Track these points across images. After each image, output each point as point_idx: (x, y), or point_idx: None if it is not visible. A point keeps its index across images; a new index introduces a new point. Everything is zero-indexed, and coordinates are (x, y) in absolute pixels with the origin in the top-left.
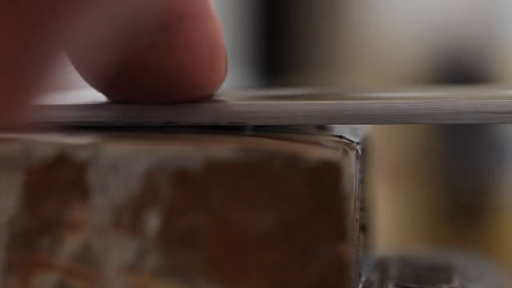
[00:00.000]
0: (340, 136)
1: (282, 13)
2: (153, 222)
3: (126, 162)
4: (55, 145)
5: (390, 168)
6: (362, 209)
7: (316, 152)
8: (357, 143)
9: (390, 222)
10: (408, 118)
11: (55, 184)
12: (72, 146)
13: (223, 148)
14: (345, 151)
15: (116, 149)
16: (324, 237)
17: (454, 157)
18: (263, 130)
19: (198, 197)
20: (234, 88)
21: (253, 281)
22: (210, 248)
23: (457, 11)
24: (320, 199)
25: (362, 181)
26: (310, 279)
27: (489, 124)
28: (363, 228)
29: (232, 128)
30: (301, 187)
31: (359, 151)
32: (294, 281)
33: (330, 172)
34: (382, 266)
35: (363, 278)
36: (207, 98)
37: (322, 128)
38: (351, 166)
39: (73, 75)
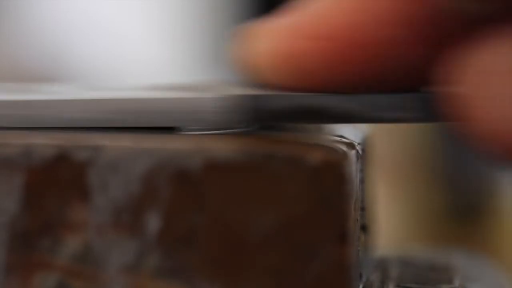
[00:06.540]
0: (341, 136)
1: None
2: (153, 222)
3: (126, 162)
4: (55, 145)
5: (390, 168)
6: (363, 209)
7: (317, 152)
8: (358, 143)
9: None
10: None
11: (55, 184)
12: (72, 146)
13: (223, 148)
14: (345, 151)
15: (116, 149)
16: (324, 237)
17: (454, 157)
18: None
19: (198, 197)
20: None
21: (253, 281)
22: (210, 248)
23: None
24: (321, 199)
25: (362, 181)
26: (311, 280)
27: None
28: (364, 228)
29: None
30: (301, 187)
31: (360, 151)
32: (295, 282)
33: (330, 172)
34: (382, 266)
35: (363, 279)
36: None
37: (321, 127)
38: (352, 166)
39: None
